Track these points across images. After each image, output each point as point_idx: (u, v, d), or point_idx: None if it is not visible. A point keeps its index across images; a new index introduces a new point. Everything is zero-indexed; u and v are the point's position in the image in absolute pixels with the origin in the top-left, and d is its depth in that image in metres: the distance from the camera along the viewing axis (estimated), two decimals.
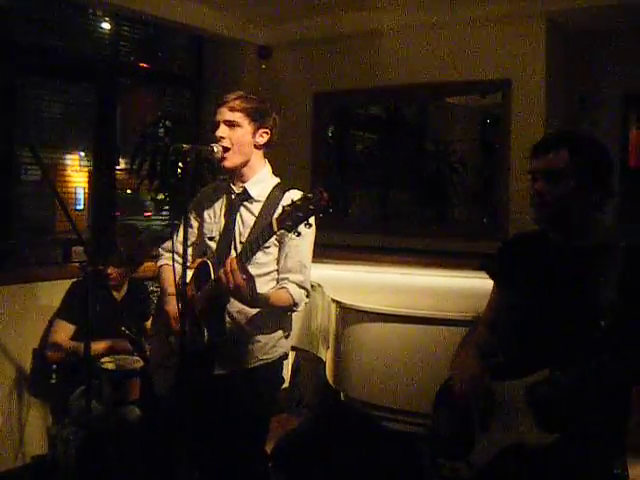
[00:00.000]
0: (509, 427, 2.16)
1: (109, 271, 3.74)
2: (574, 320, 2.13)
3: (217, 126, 2.72)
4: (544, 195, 2.20)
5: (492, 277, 2.48)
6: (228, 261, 2.50)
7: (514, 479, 2.17)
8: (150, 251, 3.98)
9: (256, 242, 2.51)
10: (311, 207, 2.32)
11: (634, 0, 4.21)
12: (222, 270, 2.49)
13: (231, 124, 2.71)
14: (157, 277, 3.04)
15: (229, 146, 2.71)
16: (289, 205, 2.35)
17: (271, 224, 2.42)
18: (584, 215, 2.20)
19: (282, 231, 2.42)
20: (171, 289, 2.83)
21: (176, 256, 2.80)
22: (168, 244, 2.99)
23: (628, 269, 2.10)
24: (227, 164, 2.73)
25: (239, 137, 2.72)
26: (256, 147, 2.78)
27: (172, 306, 2.78)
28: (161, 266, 3.00)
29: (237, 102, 2.71)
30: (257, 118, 2.74)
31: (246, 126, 2.72)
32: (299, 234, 2.37)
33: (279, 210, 2.43)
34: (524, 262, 2.33)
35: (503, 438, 2.17)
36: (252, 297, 2.57)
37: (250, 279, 2.54)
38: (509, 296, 2.38)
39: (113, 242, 3.75)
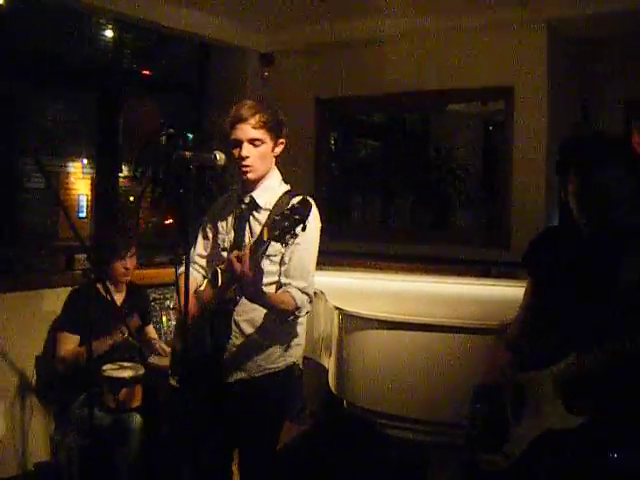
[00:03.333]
0: (540, 415, 2.25)
1: (128, 265, 3.78)
2: (604, 307, 2.18)
3: (238, 144, 2.68)
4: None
5: (529, 272, 2.56)
6: (243, 250, 2.48)
7: (547, 465, 2.24)
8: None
9: (254, 251, 2.48)
10: (296, 217, 2.32)
11: (635, 7, 4.22)
12: (234, 254, 2.47)
13: (255, 142, 2.68)
14: (175, 284, 2.93)
15: (254, 164, 2.69)
16: (278, 214, 2.36)
17: (262, 234, 2.42)
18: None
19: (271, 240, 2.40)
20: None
21: (196, 266, 2.88)
22: (192, 252, 2.96)
23: None
24: (251, 176, 2.72)
25: (263, 153, 2.70)
26: (274, 157, 2.79)
27: (191, 305, 2.68)
28: (180, 274, 2.97)
29: (257, 117, 2.66)
30: (277, 131, 2.72)
31: (268, 142, 2.70)
32: (286, 244, 2.37)
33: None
34: (554, 255, 2.40)
35: (535, 426, 2.26)
36: (257, 288, 2.53)
37: (259, 271, 2.50)
38: (543, 290, 2.45)
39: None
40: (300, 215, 2.32)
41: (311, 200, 2.45)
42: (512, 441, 2.32)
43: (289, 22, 5.26)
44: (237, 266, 2.43)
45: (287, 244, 2.38)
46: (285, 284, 2.68)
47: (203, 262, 2.94)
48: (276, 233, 2.34)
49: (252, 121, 2.66)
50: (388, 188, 5.77)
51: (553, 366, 2.24)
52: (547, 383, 2.25)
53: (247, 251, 2.44)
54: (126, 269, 3.81)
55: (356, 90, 5.30)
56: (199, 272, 2.92)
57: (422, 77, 5.00)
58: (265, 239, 2.40)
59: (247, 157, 2.67)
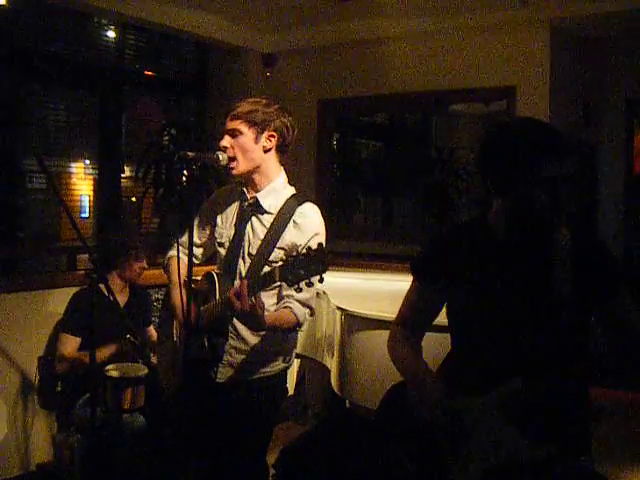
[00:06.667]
0: (489, 447, 1.93)
1: (145, 265, 3.84)
2: (531, 313, 1.97)
3: (222, 136, 2.69)
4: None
5: (423, 278, 2.22)
6: (240, 285, 2.41)
7: None
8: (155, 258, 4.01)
9: (259, 284, 2.41)
10: (313, 267, 2.19)
11: (637, 6, 4.21)
12: (232, 292, 2.41)
13: (232, 132, 2.66)
14: (165, 267, 2.96)
15: (234, 155, 2.66)
16: (292, 256, 2.24)
17: (273, 273, 2.29)
18: None
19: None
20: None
21: (187, 251, 2.74)
22: (182, 238, 2.90)
23: (576, 250, 1.96)
24: (235, 172, 2.68)
25: (241, 144, 2.65)
26: (265, 152, 2.69)
27: (179, 299, 2.67)
28: (170, 257, 2.94)
29: (238, 109, 2.66)
30: (257, 122, 2.65)
31: (246, 132, 2.65)
32: (300, 290, 2.25)
33: (282, 255, 2.40)
34: (466, 257, 2.08)
35: (483, 461, 1.92)
36: (259, 323, 2.48)
37: (261, 305, 2.44)
38: (455, 297, 2.16)
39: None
40: (319, 267, 2.19)
41: (324, 247, 2.28)
42: None
43: (291, 23, 5.27)
44: (237, 305, 2.38)
45: (300, 290, 2.26)
46: (287, 295, 2.63)
47: (197, 251, 2.88)
48: (289, 277, 2.22)
49: (233, 112, 2.66)
50: (390, 189, 5.76)
51: (494, 392, 1.94)
52: (492, 409, 1.93)
53: (244, 288, 2.37)
54: (142, 269, 3.85)
55: (358, 91, 5.31)
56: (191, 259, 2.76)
57: (424, 77, 5.01)
58: (276, 280, 2.29)
59: (226, 148, 2.65)
